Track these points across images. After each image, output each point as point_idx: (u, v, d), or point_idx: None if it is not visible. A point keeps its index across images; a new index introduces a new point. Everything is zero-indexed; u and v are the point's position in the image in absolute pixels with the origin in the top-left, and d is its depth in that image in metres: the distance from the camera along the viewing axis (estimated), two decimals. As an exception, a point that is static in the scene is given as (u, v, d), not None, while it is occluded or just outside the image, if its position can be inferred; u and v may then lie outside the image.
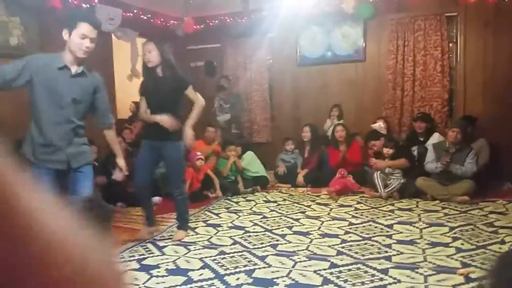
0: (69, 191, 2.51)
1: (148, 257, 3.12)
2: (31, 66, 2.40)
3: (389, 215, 3.99)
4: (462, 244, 3.15)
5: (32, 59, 2.47)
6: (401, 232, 3.47)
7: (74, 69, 2.53)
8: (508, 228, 3.43)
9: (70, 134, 2.50)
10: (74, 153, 2.53)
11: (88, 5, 5.00)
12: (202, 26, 6.52)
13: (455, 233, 3.40)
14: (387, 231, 3.52)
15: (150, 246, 3.36)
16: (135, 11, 5.80)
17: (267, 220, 3.99)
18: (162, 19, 6.34)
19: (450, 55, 5.64)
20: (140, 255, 3.16)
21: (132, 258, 3.09)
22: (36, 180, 0.27)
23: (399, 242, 3.26)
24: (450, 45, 5.64)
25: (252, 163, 5.41)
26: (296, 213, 4.21)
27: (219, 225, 3.88)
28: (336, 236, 3.46)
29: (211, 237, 3.55)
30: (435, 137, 4.96)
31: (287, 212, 4.26)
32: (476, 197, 4.30)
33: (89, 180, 2.58)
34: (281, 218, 4.04)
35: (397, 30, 5.74)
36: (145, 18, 6.00)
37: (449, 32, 5.57)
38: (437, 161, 4.50)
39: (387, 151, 4.72)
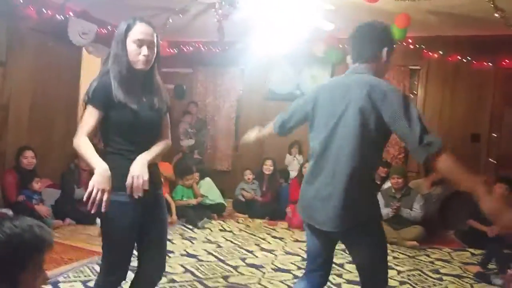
0: None
1: (93, 279, 3.00)
2: None
3: (341, 254, 4.03)
4: (409, 288, 3.24)
5: None
6: (351, 272, 3.52)
7: None
8: (452, 276, 3.56)
9: None
10: None
11: (62, 17, 4.96)
12: (175, 50, 6.57)
13: (402, 277, 3.50)
14: (338, 270, 3.57)
15: (96, 268, 3.24)
16: (109, 28, 5.79)
17: (221, 250, 3.95)
18: (136, 39, 6.34)
19: (410, 106, 5.93)
20: (86, 276, 3.04)
21: (77, 279, 2.97)
22: None
23: (349, 282, 3.30)
24: (411, 96, 5.96)
25: (209, 190, 5.38)
26: (251, 244, 4.20)
27: (171, 252, 3.79)
28: (289, 271, 3.47)
29: (162, 263, 3.46)
30: (387, 184, 5.14)
31: (242, 243, 4.24)
32: (425, 243, 4.45)
33: None
34: (235, 249, 4.01)
35: (363, 76, 5.99)
36: (119, 36, 5.98)
37: (411, 83, 5.90)
38: (386, 207, 4.66)
39: None
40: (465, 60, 5.47)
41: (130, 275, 1.94)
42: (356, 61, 1.87)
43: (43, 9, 4.76)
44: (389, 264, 3.76)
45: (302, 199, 1.92)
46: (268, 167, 5.64)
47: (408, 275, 3.54)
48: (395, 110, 1.63)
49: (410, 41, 5.64)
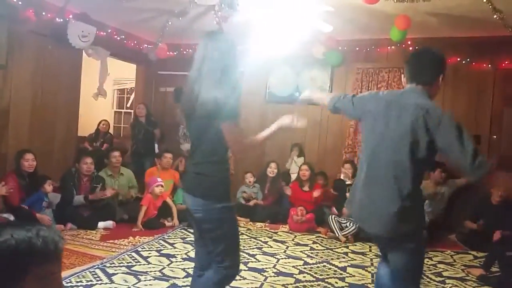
0: None
1: (95, 284, 2.98)
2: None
3: (343, 257, 4.04)
4: (411, 292, 3.22)
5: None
6: (353, 276, 3.52)
7: None
8: (455, 279, 3.56)
9: None
10: None
11: (61, 20, 4.95)
12: (175, 53, 6.56)
13: (405, 280, 3.48)
14: (341, 273, 3.56)
15: (98, 272, 3.22)
16: (109, 30, 5.78)
17: (223, 254, 3.92)
18: (135, 42, 6.34)
19: (410, 107, 5.94)
20: (88, 281, 3.02)
21: (79, 284, 2.95)
22: None
23: (351, 286, 3.29)
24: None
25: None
26: (253, 248, 4.18)
27: (173, 256, 3.78)
28: (291, 275, 3.45)
29: (164, 268, 3.44)
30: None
31: (243, 247, 4.22)
32: (427, 246, 4.43)
33: None
34: (237, 253, 3.99)
35: (362, 79, 6.01)
36: (118, 38, 5.98)
37: (410, 85, 5.88)
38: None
39: None
40: (464, 62, 5.48)
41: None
42: (413, 82, 1.93)
43: (43, 11, 4.75)
44: (391, 267, 3.77)
45: (352, 204, 2.05)
46: (272, 170, 5.65)
47: (411, 278, 3.53)
48: (450, 137, 1.75)
49: (409, 42, 5.64)
